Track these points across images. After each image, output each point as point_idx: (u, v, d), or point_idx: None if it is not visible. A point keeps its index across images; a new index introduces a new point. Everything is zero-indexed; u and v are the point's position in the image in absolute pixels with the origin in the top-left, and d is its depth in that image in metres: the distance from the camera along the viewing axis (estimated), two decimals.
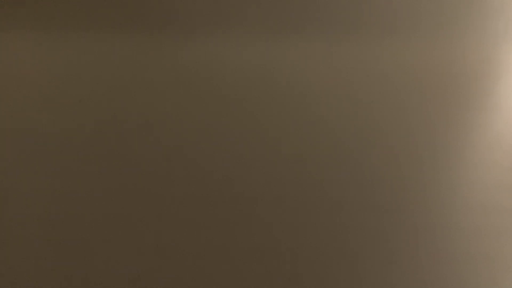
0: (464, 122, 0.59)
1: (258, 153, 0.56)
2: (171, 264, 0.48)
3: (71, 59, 0.65)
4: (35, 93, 0.61)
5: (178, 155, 0.56)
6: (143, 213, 0.51)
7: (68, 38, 0.67)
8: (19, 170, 0.54)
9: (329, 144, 0.57)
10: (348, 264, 0.48)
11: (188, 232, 0.50)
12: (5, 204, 0.51)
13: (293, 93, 0.62)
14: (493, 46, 0.67)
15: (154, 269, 0.47)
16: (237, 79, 0.63)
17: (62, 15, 0.69)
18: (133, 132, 0.57)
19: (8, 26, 0.68)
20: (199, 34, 0.68)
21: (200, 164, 0.55)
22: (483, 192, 0.53)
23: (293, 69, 0.64)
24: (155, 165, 0.55)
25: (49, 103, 0.60)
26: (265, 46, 0.66)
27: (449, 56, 0.66)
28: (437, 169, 0.55)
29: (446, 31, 0.69)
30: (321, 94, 0.62)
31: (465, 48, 0.67)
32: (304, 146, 0.57)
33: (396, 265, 0.48)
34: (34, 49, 0.66)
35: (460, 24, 0.69)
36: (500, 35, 0.68)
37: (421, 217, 0.51)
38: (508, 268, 0.48)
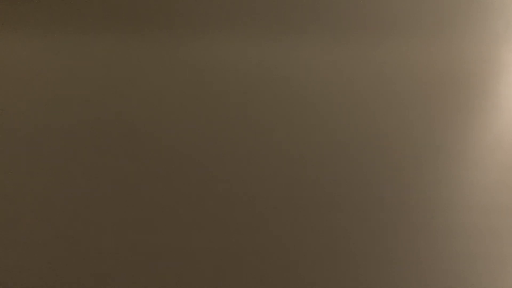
0: (464, 122, 0.59)
1: (258, 152, 0.56)
2: (171, 264, 0.48)
3: (72, 59, 0.65)
4: (36, 93, 0.61)
5: (179, 154, 0.56)
6: (144, 213, 0.51)
7: (68, 38, 0.67)
8: (19, 171, 0.54)
9: (329, 143, 0.57)
10: (348, 263, 0.48)
11: (188, 232, 0.50)
12: (5, 204, 0.51)
13: (294, 92, 0.62)
14: (493, 46, 0.67)
15: (155, 269, 0.47)
16: (238, 78, 0.63)
17: (62, 15, 0.69)
18: (134, 132, 0.57)
19: (8, 26, 0.68)
20: (201, 34, 0.68)
21: (201, 163, 0.55)
22: (483, 192, 0.53)
23: (294, 69, 0.64)
24: (157, 165, 0.55)
25: (49, 102, 0.60)
26: (267, 46, 0.66)
27: (449, 56, 0.66)
28: (437, 169, 0.55)
29: (446, 31, 0.69)
30: (321, 93, 0.62)
31: (465, 48, 0.67)
32: (304, 146, 0.57)
33: (396, 265, 0.48)
34: (34, 49, 0.66)
35: (460, 24, 0.69)
36: (500, 35, 0.68)
37: (421, 217, 0.51)
38: (508, 268, 0.48)
